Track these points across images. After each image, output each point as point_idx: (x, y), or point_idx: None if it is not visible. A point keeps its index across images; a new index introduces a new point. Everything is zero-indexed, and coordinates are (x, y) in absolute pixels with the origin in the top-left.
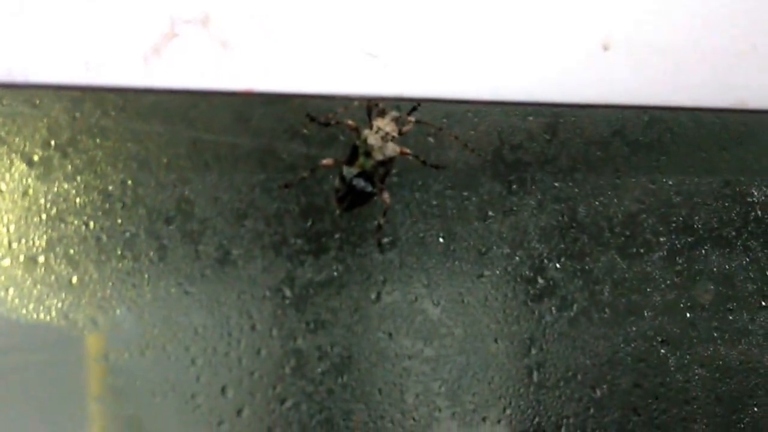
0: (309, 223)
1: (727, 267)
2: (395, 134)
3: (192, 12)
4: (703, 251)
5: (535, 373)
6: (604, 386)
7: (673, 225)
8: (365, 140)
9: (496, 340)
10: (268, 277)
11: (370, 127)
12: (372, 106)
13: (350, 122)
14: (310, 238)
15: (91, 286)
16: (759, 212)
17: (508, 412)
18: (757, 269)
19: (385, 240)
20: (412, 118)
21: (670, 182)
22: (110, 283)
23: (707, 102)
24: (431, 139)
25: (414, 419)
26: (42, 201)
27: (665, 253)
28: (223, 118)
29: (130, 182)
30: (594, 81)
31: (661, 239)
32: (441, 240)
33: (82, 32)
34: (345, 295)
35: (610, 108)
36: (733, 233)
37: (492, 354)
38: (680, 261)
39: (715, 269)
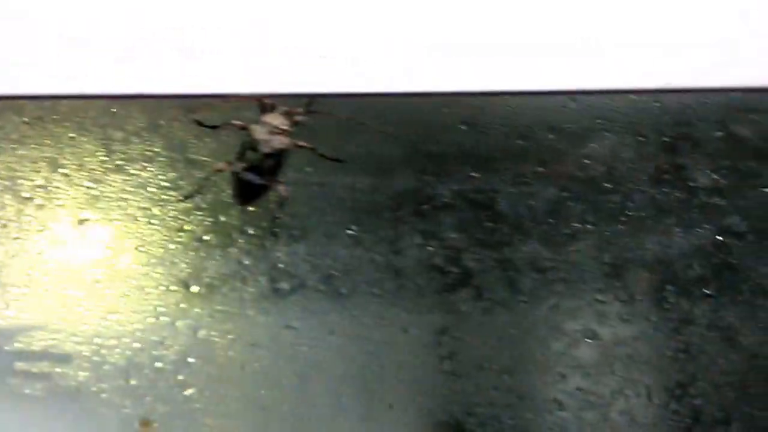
0: (216, 219)
1: (665, 254)
2: (285, 128)
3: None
4: (639, 238)
5: (447, 362)
6: (522, 375)
7: (603, 212)
8: (252, 135)
9: (405, 330)
10: (174, 270)
11: (259, 123)
12: (264, 104)
13: (237, 122)
14: (217, 233)
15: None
16: (703, 197)
17: (417, 400)
18: (700, 256)
19: (295, 232)
20: (300, 110)
21: (600, 169)
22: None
23: (641, 84)
24: (339, 135)
25: (315, 406)
26: None
27: (594, 242)
28: (135, 121)
29: (42, 183)
30: (516, 68)
31: (589, 227)
32: (350, 231)
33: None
34: (250, 286)
35: (533, 95)
36: (674, 219)
37: (402, 343)
38: (611, 249)
39: (650, 257)
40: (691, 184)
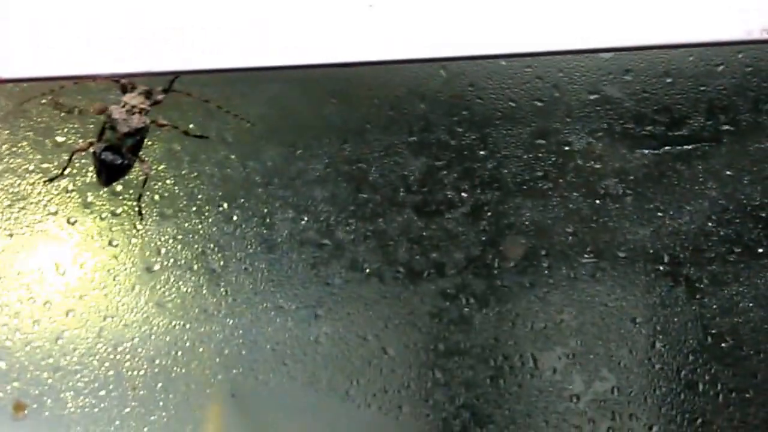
0: (86, 201)
1: (541, 220)
2: (144, 107)
3: None
4: (513, 204)
5: (323, 337)
6: (399, 346)
7: (478, 180)
8: (110, 115)
9: (282, 306)
10: (45, 253)
11: (117, 104)
12: (122, 83)
13: (94, 105)
14: (87, 215)
15: None
16: (579, 161)
17: (290, 373)
18: (577, 221)
19: (164, 210)
20: (159, 89)
21: (473, 137)
22: None
23: (514, 49)
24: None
25: (187, 385)
26: None
27: (469, 209)
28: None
29: None
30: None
31: (464, 195)
32: (221, 208)
33: None
34: (123, 266)
35: (396, 64)
36: (549, 185)
37: (276, 321)
38: (486, 216)
39: (527, 223)
40: (566, 148)
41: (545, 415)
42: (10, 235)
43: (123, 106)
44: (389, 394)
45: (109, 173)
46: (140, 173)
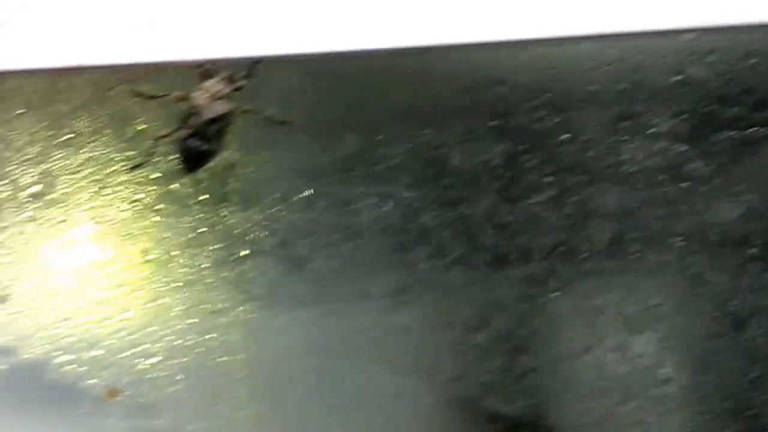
0: (168, 188)
1: (627, 204)
2: (226, 92)
3: None
4: (598, 189)
5: (410, 324)
6: (486, 331)
7: (561, 164)
8: (193, 102)
9: (368, 292)
10: (132, 241)
11: (199, 90)
12: (203, 69)
13: (176, 93)
14: (170, 202)
15: None
16: (663, 143)
17: (378, 361)
18: (664, 204)
19: (247, 197)
20: (242, 75)
21: (555, 120)
22: None
23: (592, 30)
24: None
25: (278, 372)
26: None
27: (553, 194)
28: (80, 95)
29: None
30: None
31: (547, 180)
32: (304, 194)
33: None
34: (208, 254)
35: (474, 47)
36: (634, 168)
37: (362, 307)
38: (571, 201)
39: (612, 208)
40: (650, 131)
41: (638, 400)
42: (96, 223)
43: (205, 92)
44: (476, 380)
45: (194, 160)
46: (223, 159)
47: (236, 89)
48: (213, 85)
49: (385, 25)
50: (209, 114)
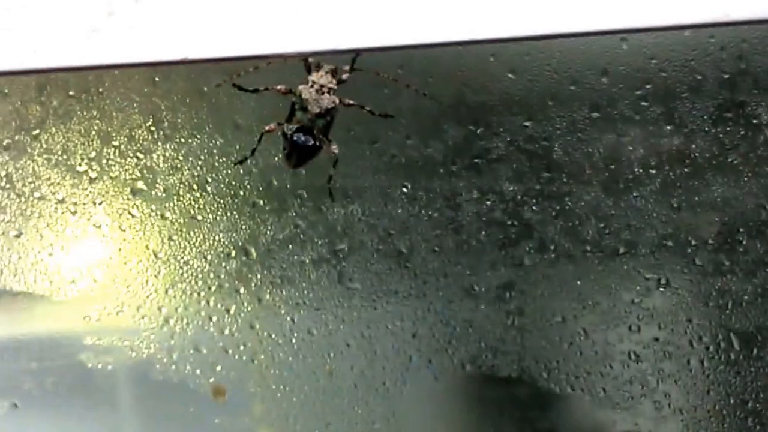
0: (269, 183)
1: (733, 196)
2: (332, 86)
3: None
4: (704, 180)
5: (517, 319)
6: (594, 329)
7: (665, 155)
8: (300, 96)
9: (473, 287)
10: (232, 236)
11: (305, 83)
12: (308, 62)
13: (280, 87)
14: (271, 197)
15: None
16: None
17: (488, 357)
18: None
19: (347, 191)
20: (346, 68)
21: (659, 111)
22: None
23: (694, 19)
24: (386, 90)
25: (384, 367)
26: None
27: (658, 186)
28: (178, 89)
29: (95, 156)
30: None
31: (652, 171)
32: (405, 189)
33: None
34: (309, 249)
35: (575, 37)
36: (739, 159)
37: (467, 302)
38: (676, 193)
39: (719, 199)
40: (755, 121)
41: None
42: (196, 219)
43: (311, 86)
44: (591, 377)
45: (300, 155)
46: (327, 154)
47: (339, 82)
48: (319, 77)
49: (487, 16)
50: (316, 108)
